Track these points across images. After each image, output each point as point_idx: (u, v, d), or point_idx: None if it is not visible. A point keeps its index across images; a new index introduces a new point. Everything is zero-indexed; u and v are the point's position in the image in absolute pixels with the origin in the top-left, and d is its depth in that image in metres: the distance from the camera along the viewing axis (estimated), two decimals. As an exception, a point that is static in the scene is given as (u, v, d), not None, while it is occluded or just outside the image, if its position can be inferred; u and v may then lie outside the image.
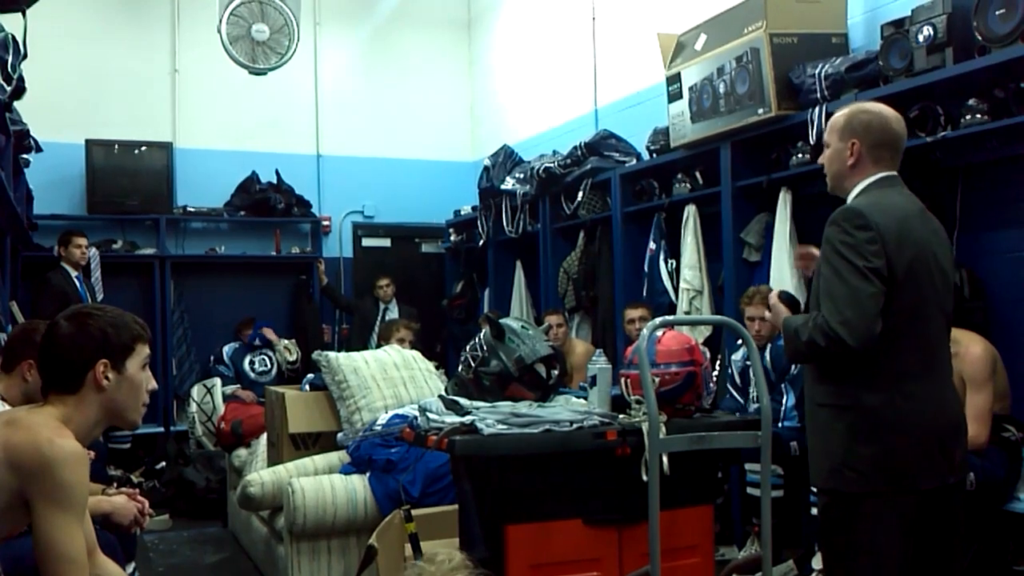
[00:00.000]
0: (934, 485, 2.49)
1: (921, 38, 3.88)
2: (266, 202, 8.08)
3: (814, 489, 3.06)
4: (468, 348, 3.63)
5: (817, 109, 4.32)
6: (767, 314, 2.84)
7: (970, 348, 3.59)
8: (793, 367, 4.22)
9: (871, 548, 2.45)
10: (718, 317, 4.44)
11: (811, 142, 4.35)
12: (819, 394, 2.57)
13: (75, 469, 1.94)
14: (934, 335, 2.54)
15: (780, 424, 4.22)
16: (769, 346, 4.39)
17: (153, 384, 2.21)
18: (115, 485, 3.45)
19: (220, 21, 6.42)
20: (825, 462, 2.53)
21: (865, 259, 2.40)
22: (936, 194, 4.09)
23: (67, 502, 1.92)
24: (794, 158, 4.59)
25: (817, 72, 4.36)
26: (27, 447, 1.92)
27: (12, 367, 3.25)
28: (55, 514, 1.91)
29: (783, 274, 4.58)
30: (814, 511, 3.43)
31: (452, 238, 8.33)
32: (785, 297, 2.78)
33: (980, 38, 3.67)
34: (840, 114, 2.67)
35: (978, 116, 3.74)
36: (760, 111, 4.61)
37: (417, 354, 4.84)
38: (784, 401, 4.31)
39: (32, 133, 5.97)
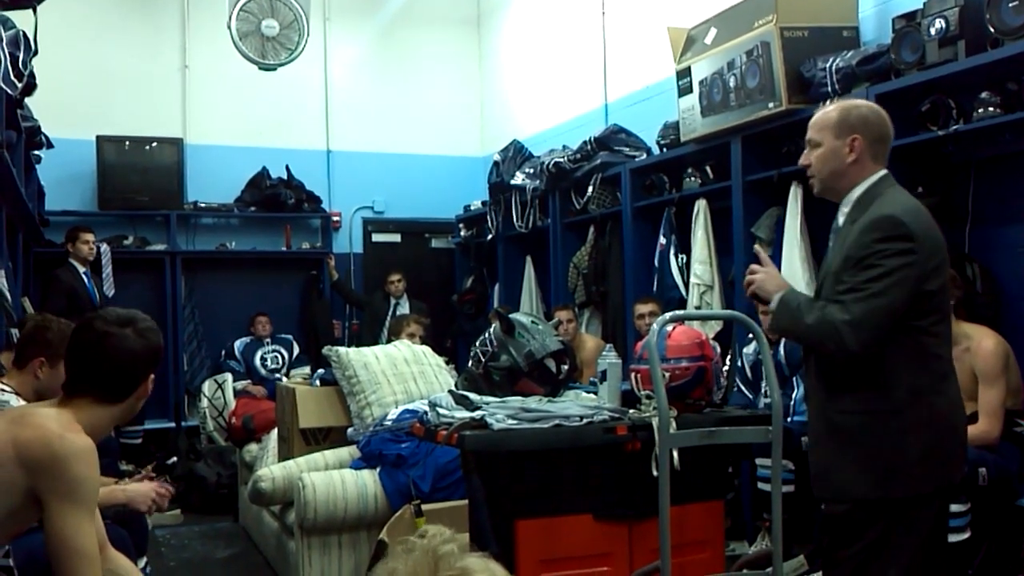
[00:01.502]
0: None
1: (933, 31, 3.85)
2: (276, 198, 8.09)
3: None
4: (478, 343, 3.62)
5: (828, 103, 4.29)
6: (753, 279, 2.59)
7: (982, 343, 3.58)
8: None
9: (900, 553, 2.39)
10: (728, 312, 4.42)
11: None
12: (852, 402, 2.43)
13: (86, 464, 1.95)
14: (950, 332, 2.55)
15: (790, 419, 4.20)
16: (783, 340, 4.36)
17: None
18: (126, 480, 3.47)
19: (230, 17, 6.42)
20: (866, 471, 2.39)
21: (898, 270, 2.31)
22: (948, 188, 4.08)
23: (78, 497, 1.93)
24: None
25: (828, 66, 4.33)
26: (37, 443, 1.93)
27: (24, 364, 3.26)
28: (66, 509, 1.92)
29: (794, 268, 4.56)
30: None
31: (462, 233, 8.32)
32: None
33: (993, 31, 3.65)
34: (830, 110, 2.59)
35: (990, 109, 3.72)
36: (771, 105, 4.59)
37: (427, 349, 4.85)
38: (794, 395, 4.29)
39: (43, 129, 6.00)
